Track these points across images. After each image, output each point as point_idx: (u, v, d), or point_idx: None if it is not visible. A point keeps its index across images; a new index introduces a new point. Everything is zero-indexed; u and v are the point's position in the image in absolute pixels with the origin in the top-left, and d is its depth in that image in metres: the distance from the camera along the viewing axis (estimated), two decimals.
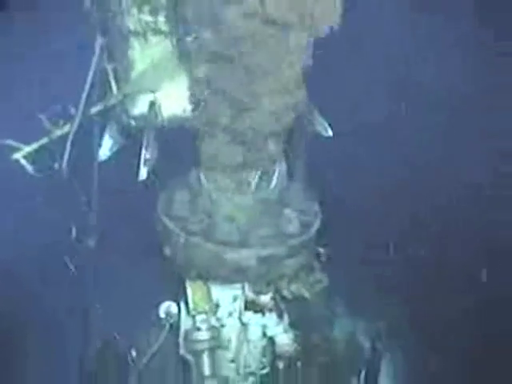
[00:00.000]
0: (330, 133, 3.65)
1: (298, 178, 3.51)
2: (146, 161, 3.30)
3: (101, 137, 3.60)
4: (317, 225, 3.31)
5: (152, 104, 3.32)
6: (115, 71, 3.40)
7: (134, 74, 3.29)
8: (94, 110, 3.48)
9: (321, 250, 3.50)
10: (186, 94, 3.26)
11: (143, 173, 3.29)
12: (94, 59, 3.38)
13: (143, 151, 3.30)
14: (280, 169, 3.27)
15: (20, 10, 4.50)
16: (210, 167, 3.23)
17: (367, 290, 4.76)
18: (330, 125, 3.66)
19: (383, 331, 4.79)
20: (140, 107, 3.35)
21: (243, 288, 3.38)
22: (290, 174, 3.46)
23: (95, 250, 3.80)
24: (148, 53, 3.25)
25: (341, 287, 4.05)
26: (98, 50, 3.36)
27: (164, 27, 3.17)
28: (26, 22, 4.53)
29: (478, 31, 4.49)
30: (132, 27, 3.19)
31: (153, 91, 3.31)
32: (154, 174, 3.33)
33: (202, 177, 3.28)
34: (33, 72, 4.65)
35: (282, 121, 3.05)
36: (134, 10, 3.16)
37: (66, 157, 3.53)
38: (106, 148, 3.60)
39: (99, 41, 3.34)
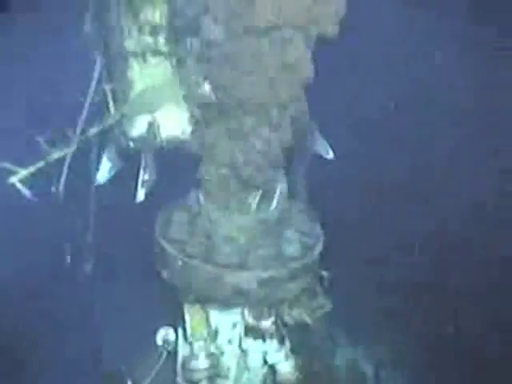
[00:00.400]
0: (332, 155, 3.61)
1: (299, 199, 3.44)
2: (143, 182, 3.24)
3: (99, 160, 3.56)
4: (319, 247, 3.23)
5: (151, 125, 3.27)
6: (113, 92, 3.38)
7: (132, 95, 3.27)
8: (92, 131, 3.45)
9: (324, 273, 3.41)
10: (186, 115, 3.22)
11: (141, 194, 3.22)
12: (93, 82, 3.37)
13: (141, 172, 3.24)
14: (281, 189, 3.20)
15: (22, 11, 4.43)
16: (209, 188, 3.16)
17: (368, 316, 4.67)
18: (331, 146, 3.62)
19: (386, 358, 4.69)
20: (138, 128, 3.31)
21: (243, 313, 3.27)
22: (291, 195, 3.39)
23: (90, 275, 3.71)
24: (147, 73, 3.24)
25: (341, 314, 3.93)
26: (97, 73, 3.36)
27: (164, 48, 3.16)
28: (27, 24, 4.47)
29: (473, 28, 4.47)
30: (132, 48, 3.19)
31: (151, 112, 3.28)
32: (151, 196, 3.27)
33: (201, 197, 3.20)
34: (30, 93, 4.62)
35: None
36: (135, 31, 3.16)
37: (62, 180, 3.49)
38: (104, 171, 3.55)
39: (98, 63, 3.33)
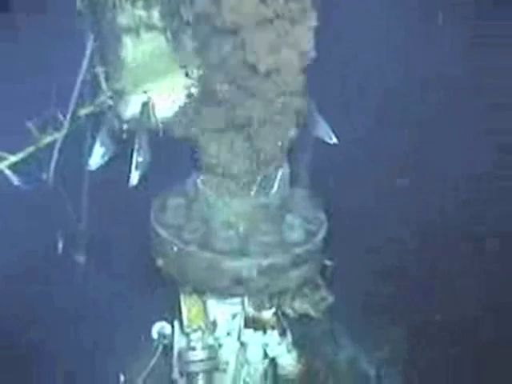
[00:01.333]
0: (335, 139, 3.46)
1: (301, 185, 3.28)
2: (138, 164, 3.08)
3: (91, 145, 3.41)
4: (322, 233, 3.06)
5: (145, 104, 3.12)
6: (106, 73, 3.23)
7: (125, 72, 3.10)
8: (83, 111, 3.30)
9: (327, 262, 3.25)
10: (182, 93, 3.07)
11: (135, 177, 3.07)
12: (85, 62, 3.23)
13: (135, 154, 3.08)
14: (282, 173, 3.03)
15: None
16: (208, 171, 3.00)
17: (369, 315, 4.54)
18: (333, 131, 3.47)
19: (387, 358, 4.55)
20: (132, 109, 3.16)
21: (243, 304, 3.11)
22: (294, 181, 3.23)
23: (83, 264, 3.56)
24: (140, 49, 3.08)
25: (342, 307, 3.78)
26: (88, 53, 3.21)
27: (158, 22, 3.00)
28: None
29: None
30: (125, 23, 3.03)
31: (145, 90, 3.12)
32: (146, 181, 3.12)
33: (199, 181, 3.04)
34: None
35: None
36: (128, 5, 3.00)
37: (52, 165, 3.34)
38: (97, 156, 3.40)
39: (90, 43, 3.19)
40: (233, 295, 3.04)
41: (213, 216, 2.96)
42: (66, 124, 3.38)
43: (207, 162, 2.97)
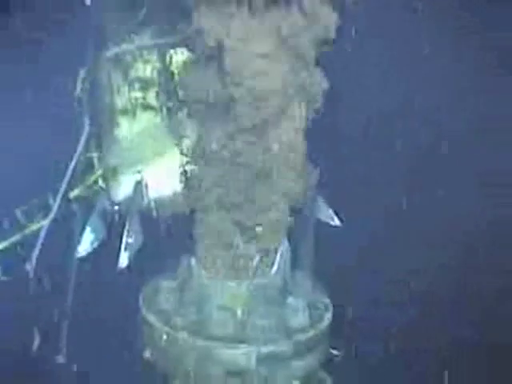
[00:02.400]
0: (337, 222, 3.30)
1: (304, 267, 3.04)
2: (127, 246, 2.88)
3: (81, 231, 3.25)
4: (328, 319, 2.77)
5: (138, 184, 3.00)
6: (100, 155, 3.16)
7: (118, 151, 3.03)
8: (73, 193, 3.18)
9: (334, 352, 2.91)
10: (176, 172, 2.96)
11: (124, 259, 2.86)
12: (79, 148, 3.18)
13: (125, 235, 2.90)
14: (282, 251, 2.81)
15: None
16: (202, 250, 2.79)
17: None
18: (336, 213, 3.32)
19: None
20: (125, 189, 3.05)
21: None
22: (296, 263, 3.00)
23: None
24: (135, 129, 3.04)
25: None
26: (83, 139, 3.18)
27: (154, 102, 2.99)
28: None
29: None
30: (121, 105, 3.02)
31: (139, 171, 3.02)
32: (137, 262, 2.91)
33: (193, 262, 2.81)
34: None
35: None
36: (125, 89, 3.01)
37: (35, 255, 3.17)
38: (86, 243, 3.22)
39: (86, 128, 3.16)
40: None
41: (207, 299, 2.70)
42: (55, 208, 3.25)
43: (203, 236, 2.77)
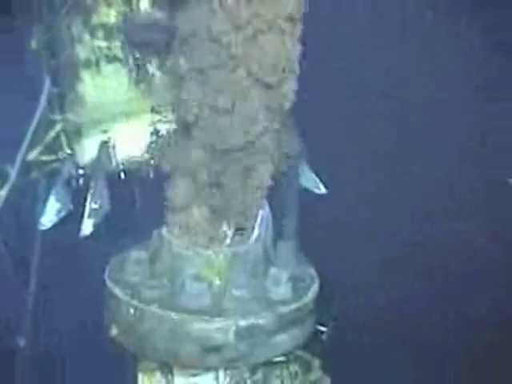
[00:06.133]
0: (323, 190, 3.08)
1: (287, 237, 2.79)
2: (92, 212, 2.61)
3: (44, 200, 2.97)
4: (314, 291, 2.53)
5: (104, 144, 2.73)
6: (64, 116, 2.87)
7: (83, 110, 2.75)
8: (32, 154, 2.89)
9: (321, 328, 2.68)
10: (146, 131, 2.68)
11: (88, 226, 2.59)
12: (39, 111, 2.90)
13: (88, 200, 2.63)
14: (263, 216, 2.56)
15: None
16: (175, 218, 2.52)
17: None
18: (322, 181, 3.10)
19: None
20: (90, 151, 2.78)
21: (217, 380, 2.47)
22: (279, 233, 2.76)
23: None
24: (100, 85, 2.74)
25: None
26: (43, 99, 2.89)
27: (119, 52, 2.69)
28: None
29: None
30: (83, 56, 2.72)
31: (105, 130, 2.75)
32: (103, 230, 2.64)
33: (164, 230, 2.54)
34: None
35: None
36: (86, 36, 2.70)
37: None
38: (50, 213, 2.94)
39: (46, 87, 2.87)
40: (205, 367, 2.41)
41: (180, 269, 2.43)
42: (13, 175, 2.97)
43: (175, 206, 2.50)
